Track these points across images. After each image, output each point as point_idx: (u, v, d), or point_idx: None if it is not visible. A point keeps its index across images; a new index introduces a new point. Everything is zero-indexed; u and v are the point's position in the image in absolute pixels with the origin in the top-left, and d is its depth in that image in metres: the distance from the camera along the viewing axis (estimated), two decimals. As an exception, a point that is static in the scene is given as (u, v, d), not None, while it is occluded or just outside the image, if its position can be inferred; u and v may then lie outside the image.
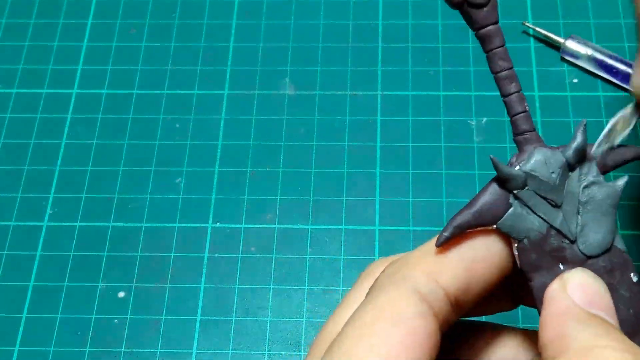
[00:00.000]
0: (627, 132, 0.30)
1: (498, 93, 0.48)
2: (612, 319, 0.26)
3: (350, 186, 0.44)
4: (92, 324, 0.41)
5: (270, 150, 0.45)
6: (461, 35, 0.49)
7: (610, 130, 0.29)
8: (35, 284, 0.42)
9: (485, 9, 0.28)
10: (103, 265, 0.43)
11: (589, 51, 0.46)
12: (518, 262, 0.27)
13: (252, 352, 0.40)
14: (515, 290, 0.30)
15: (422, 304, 0.26)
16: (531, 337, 0.29)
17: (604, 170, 0.29)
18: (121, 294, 0.42)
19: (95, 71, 0.49)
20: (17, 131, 0.47)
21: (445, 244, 0.27)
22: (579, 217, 0.28)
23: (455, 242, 0.27)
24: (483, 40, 0.29)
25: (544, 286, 0.27)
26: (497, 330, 0.30)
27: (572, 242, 0.28)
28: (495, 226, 0.27)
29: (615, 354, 0.24)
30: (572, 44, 0.46)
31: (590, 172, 0.28)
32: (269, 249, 0.43)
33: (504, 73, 0.29)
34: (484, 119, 0.46)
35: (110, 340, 0.41)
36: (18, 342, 0.41)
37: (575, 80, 0.47)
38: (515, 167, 0.27)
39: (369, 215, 0.43)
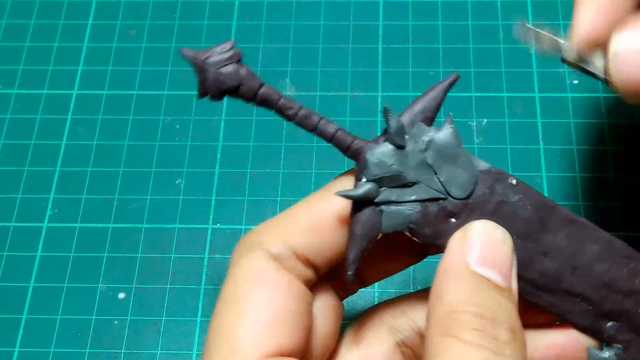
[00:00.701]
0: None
1: (499, 94, 0.49)
2: (501, 276, 0.27)
3: (350, 187, 0.44)
4: (92, 325, 0.41)
5: (271, 151, 0.45)
6: (461, 36, 0.49)
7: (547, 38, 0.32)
8: (35, 284, 0.42)
9: (243, 86, 0.30)
10: (103, 266, 0.43)
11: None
12: (420, 242, 0.29)
13: (253, 353, 0.40)
14: (414, 243, 0.31)
15: (275, 261, 0.28)
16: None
17: (430, 122, 0.30)
18: (121, 295, 0.42)
19: (96, 72, 0.49)
20: (17, 132, 0.47)
21: (354, 279, 0.29)
22: (437, 175, 0.29)
23: (303, 211, 0.30)
24: (263, 104, 0.30)
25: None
26: (423, 292, 0.32)
27: (445, 198, 0.29)
28: (380, 235, 0.29)
29: (474, 319, 0.25)
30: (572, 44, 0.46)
31: (420, 133, 0.30)
32: (269, 250, 0.43)
33: (299, 115, 0.30)
34: (485, 120, 0.46)
35: (111, 341, 0.41)
36: (18, 343, 0.41)
37: (575, 82, 0.47)
38: (363, 179, 0.29)
39: (370, 216, 0.43)
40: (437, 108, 0.31)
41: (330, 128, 0.30)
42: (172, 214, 0.44)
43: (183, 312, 0.41)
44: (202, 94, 0.30)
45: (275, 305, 0.27)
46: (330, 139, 0.30)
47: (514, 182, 0.30)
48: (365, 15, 0.50)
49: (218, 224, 0.43)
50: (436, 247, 0.30)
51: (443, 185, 0.29)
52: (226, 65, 0.30)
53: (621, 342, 0.30)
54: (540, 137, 0.45)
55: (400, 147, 0.29)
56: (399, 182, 0.29)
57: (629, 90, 0.30)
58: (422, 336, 0.31)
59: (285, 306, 0.27)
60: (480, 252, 0.27)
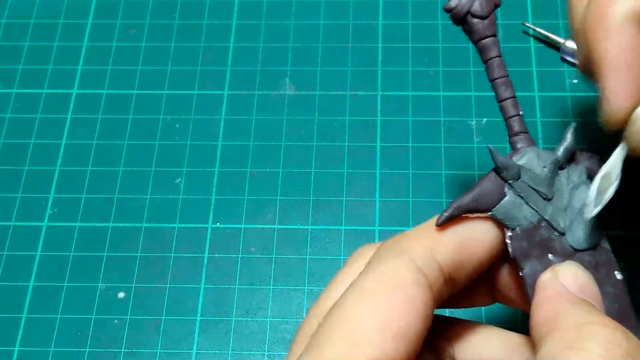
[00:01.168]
0: (612, 188, 0.30)
1: (498, 93, 0.48)
2: (600, 307, 0.27)
3: (350, 186, 0.44)
4: (92, 324, 0.41)
5: (270, 150, 0.45)
6: (461, 35, 0.49)
7: (599, 191, 0.30)
8: (35, 284, 0.42)
9: (485, 21, 0.31)
10: (103, 266, 0.43)
11: (589, 51, 0.46)
12: (510, 249, 0.29)
13: (252, 352, 0.40)
14: (493, 286, 0.31)
15: (419, 274, 0.27)
16: (524, 341, 0.30)
17: (590, 174, 0.30)
18: (121, 294, 0.42)
19: (95, 71, 0.49)
20: (17, 131, 0.47)
21: (445, 224, 0.29)
22: (567, 212, 0.29)
23: (453, 223, 0.29)
24: (482, 50, 0.32)
25: (534, 273, 0.29)
26: (483, 328, 0.31)
27: (561, 234, 0.29)
28: (490, 213, 0.29)
29: (606, 330, 0.24)
30: (572, 44, 0.46)
31: (577, 174, 0.30)
32: (269, 249, 0.43)
33: (500, 80, 0.31)
34: (484, 120, 0.46)
35: (110, 340, 0.41)
36: (18, 342, 0.41)
37: (575, 81, 0.47)
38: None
39: (369, 216, 0.43)
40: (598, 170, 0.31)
41: (513, 110, 0.31)
42: (172, 213, 0.44)
43: (183, 311, 0.41)
44: (449, 8, 0.31)
45: (407, 321, 0.26)
46: (507, 117, 0.31)
47: (619, 277, 0.30)
48: (364, 15, 0.50)
49: (218, 223, 0.43)
50: (516, 266, 0.29)
51: (566, 224, 0.29)
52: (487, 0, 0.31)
53: None
54: (540, 136, 0.45)
55: (560, 164, 0.30)
56: (538, 186, 0.29)
57: None
58: None
59: (414, 325, 0.27)
60: (577, 283, 0.27)
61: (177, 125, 0.47)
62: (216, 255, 0.43)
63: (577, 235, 0.29)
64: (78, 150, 0.46)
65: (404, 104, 0.46)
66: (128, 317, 0.41)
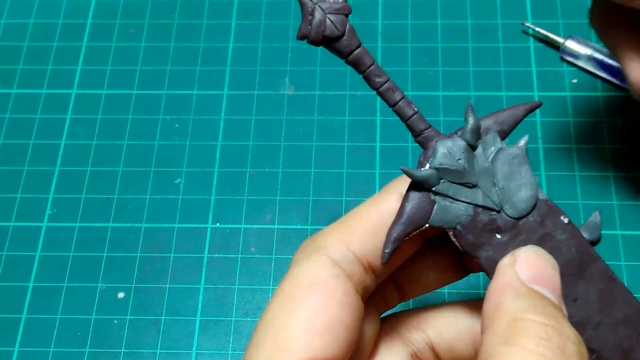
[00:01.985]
0: None
1: (497, 93, 0.49)
2: (554, 296, 0.26)
3: (349, 186, 0.44)
4: (91, 325, 0.41)
5: (270, 150, 0.45)
6: (460, 35, 0.49)
7: None
8: (34, 284, 0.42)
9: (344, 38, 0.30)
10: (103, 266, 0.43)
11: (589, 51, 0.46)
12: (459, 247, 0.29)
13: (252, 352, 0.40)
14: (460, 258, 0.32)
15: (335, 267, 0.28)
16: (477, 304, 0.31)
17: (503, 136, 0.30)
18: (121, 295, 0.42)
19: (95, 71, 0.49)
20: (16, 131, 0.47)
21: (390, 259, 0.29)
22: (496, 187, 0.30)
23: (364, 214, 0.30)
24: (354, 65, 0.30)
25: (490, 259, 0.29)
26: (452, 306, 0.32)
27: (498, 211, 0.29)
28: (427, 225, 0.29)
29: (537, 327, 0.24)
30: (571, 44, 0.46)
31: (492, 142, 0.30)
32: (268, 250, 0.43)
33: (384, 86, 0.30)
34: (484, 119, 0.46)
35: (110, 340, 0.41)
36: (18, 343, 0.41)
37: (574, 81, 0.46)
38: (425, 165, 0.29)
39: (369, 216, 0.43)
40: (514, 125, 0.31)
41: (409, 110, 0.31)
42: (172, 214, 0.44)
43: (183, 311, 0.41)
44: (302, 36, 0.30)
45: (330, 314, 0.27)
46: (406, 120, 0.31)
47: (566, 220, 0.30)
48: (364, 15, 0.50)
49: (217, 224, 0.43)
50: (471, 257, 0.29)
51: (499, 199, 0.29)
52: (335, 14, 0.30)
53: None
54: (539, 136, 0.45)
55: (472, 146, 0.30)
56: (460, 179, 0.29)
57: None
58: (434, 350, 0.32)
59: (339, 316, 0.27)
60: (533, 271, 0.27)
61: (177, 126, 0.47)
62: (216, 255, 0.43)
63: (514, 204, 0.29)
64: (77, 150, 0.46)
65: (403, 103, 0.46)
66: (128, 317, 0.41)
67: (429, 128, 0.30)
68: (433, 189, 0.29)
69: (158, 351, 0.40)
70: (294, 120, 0.46)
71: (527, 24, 0.48)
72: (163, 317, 0.41)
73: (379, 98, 0.47)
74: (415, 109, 0.30)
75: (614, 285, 0.30)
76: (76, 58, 0.50)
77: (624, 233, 0.42)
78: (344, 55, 0.30)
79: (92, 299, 0.42)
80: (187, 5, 0.51)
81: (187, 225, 0.44)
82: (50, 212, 0.44)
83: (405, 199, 0.29)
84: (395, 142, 0.45)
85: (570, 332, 0.25)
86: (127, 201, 0.45)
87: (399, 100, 0.30)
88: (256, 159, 0.45)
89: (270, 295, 0.41)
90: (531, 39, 0.48)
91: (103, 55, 0.50)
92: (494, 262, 0.29)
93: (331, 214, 0.43)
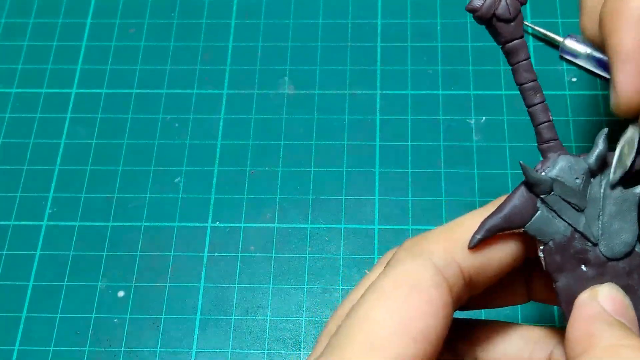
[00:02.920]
0: (634, 153, 0.30)
1: (497, 92, 0.49)
2: (636, 330, 0.27)
3: (349, 185, 0.44)
4: (91, 323, 0.41)
5: (270, 149, 0.45)
6: (460, 34, 0.49)
7: (620, 156, 0.30)
8: (34, 283, 0.42)
9: (512, 23, 0.30)
10: (102, 265, 0.43)
11: (588, 50, 0.46)
12: (543, 263, 0.29)
13: (252, 351, 0.40)
14: (527, 284, 0.31)
15: (439, 275, 0.27)
16: (545, 333, 0.30)
17: (624, 177, 0.29)
18: (121, 293, 0.42)
19: (95, 71, 0.49)
20: (16, 131, 0.47)
21: (478, 246, 0.28)
22: (600, 221, 0.29)
23: (473, 224, 0.28)
24: (509, 53, 0.30)
25: (568, 286, 0.28)
26: (504, 326, 0.31)
27: (594, 244, 0.29)
28: (523, 229, 0.28)
29: (637, 353, 0.24)
30: (570, 43, 0.46)
31: (611, 176, 0.29)
32: (268, 248, 0.43)
33: (529, 85, 0.30)
34: (483, 118, 0.46)
35: (110, 339, 0.41)
36: (18, 342, 0.41)
37: (574, 79, 0.46)
38: (541, 173, 0.29)
39: (368, 214, 0.43)
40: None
41: (543, 116, 0.30)
42: (172, 213, 0.44)
43: (182, 310, 0.41)
44: (472, 9, 0.30)
45: (428, 322, 0.26)
46: (537, 124, 0.30)
47: None
48: (363, 13, 0.50)
49: (217, 222, 0.43)
50: (550, 279, 0.29)
51: (599, 233, 0.29)
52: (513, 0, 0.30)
53: None
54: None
55: (592, 172, 0.29)
56: (570, 197, 0.29)
57: None
58: None
59: (435, 326, 0.26)
60: (615, 306, 0.27)
61: (177, 125, 0.47)
62: (216, 254, 0.43)
63: (611, 244, 0.29)
64: (77, 149, 0.46)
65: (403, 102, 0.46)
66: (128, 316, 0.41)
67: (556, 140, 0.30)
68: (542, 196, 0.29)
69: (158, 350, 0.40)
70: (293, 119, 0.46)
71: (526, 23, 0.48)
72: (163, 316, 0.41)
73: (378, 97, 0.47)
74: (550, 117, 0.30)
75: None
76: (76, 57, 0.50)
77: None
78: (503, 40, 0.30)
79: (92, 298, 0.42)
80: (186, 5, 0.51)
81: (187, 224, 0.44)
82: (50, 211, 0.44)
83: (512, 194, 0.29)
84: (395, 141, 0.45)
85: None
86: (127, 200, 0.45)
87: (538, 104, 0.30)
88: (256, 158, 0.45)
89: (271, 294, 0.41)
90: (530, 37, 0.48)
91: (103, 55, 0.50)
92: (569, 291, 0.28)
93: (331, 213, 0.43)
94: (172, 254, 0.43)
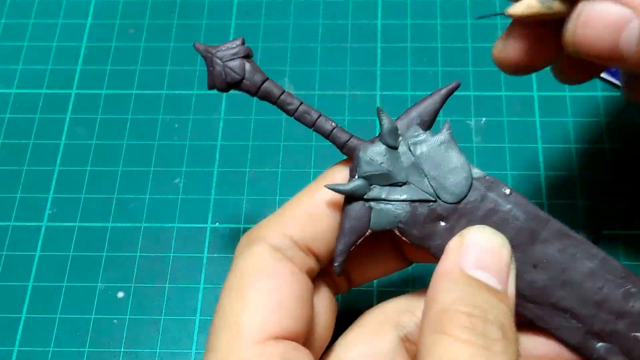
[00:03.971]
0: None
1: (497, 93, 0.49)
2: (497, 279, 0.27)
3: (349, 186, 0.44)
4: (91, 324, 0.41)
5: (270, 150, 0.45)
6: (460, 35, 0.49)
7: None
8: (34, 284, 0.42)
9: (245, 78, 0.32)
10: (102, 266, 0.43)
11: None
12: (408, 241, 0.30)
13: (252, 352, 0.40)
14: (397, 248, 0.33)
15: (276, 252, 0.29)
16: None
17: (426, 126, 0.31)
18: (120, 294, 0.42)
19: (94, 71, 0.49)
20: (16, 131, 0.47)
21: (342, 270, 0.30)
22: (427, 178, 0.30)
23: (298, 203, 0.31)
24: (265, 98, 0.32)
25: (441, 246, 0.29)
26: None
27: (435, 200, 0.30)
28: (369, 231, 0.30)
29: (464, 317, 0.26)
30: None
31: (415, 136, 0.30)
32: (268, 249, 0.43)
33: (298, 111, 0.32)
34: (483, 119, 0.46)
35: (110, 340, 0.41)
36: (17, 342, 0.41)
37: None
38: (355, 176, 0.30)
39: (368, 215, 0.43)
40: (435, 113, 0.31)
41: (328, 125, 0.32)
42: (171, 213, 0.44)
43: (182, 311, 0.41)
44: (211, 85, 0.32)
45: (278, 293, 0.28)
46: (327, 135, 0.31)
47: (507, 191, 0.30)
48: (363, 14, 0.50)
49: (217, 223, 0.43)
50: (424, 249, 0.30)
51: (433, 188, 0.30)
52: (232, 59, 0.31)
53: None
54: (539, 135, 0.45)
55: (392, 147, 0.30)
56: (388, 180, 0.30)
57: (575, 51, 0.29)
58: None
59: (287, 294, 0.28)
60: (477, 256, 0.28)
61: (176, 125, 0.47)
62: (215, 255, 0.43)
63: (450, 189, 0.30)
64: (77, 150, 0.46)
65: (403, 103, 0.46)
66: (127, 317, 0.41)
67: (351, 138, 0.31)
68: (365, 197, 0.30)
69: (157, 351, 0.40)
70: (293, 120, 0.46)
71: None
72: (163, 317, 0.41)
73: (379, 98, 0.47)
74: (334, 124, 0.32)
75: (572, 242, 0.30)
76: (76, 58, 0.50)
77: (625, 232, 0.42)
78: (252, 93, 0.32)
79: (92, 299, 0.42)
80: (186, 6, 0.51)
81: (187, 224, 0.44)
82: (50, 212, 0.44)
83: (343, 212, 0.31)
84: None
85: (494, 317, 0.26)
86: (127, 201, 0.45)
87: (316, 119, 0.32)
88: (256, 159, 0.45)
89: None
90: (530, 39, 0.48)
91: (103, 55, 0.50)
92: (444, 249, 0.29)
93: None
94: (171, 254, 0.43)
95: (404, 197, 0.30)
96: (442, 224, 0.30)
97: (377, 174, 0.30)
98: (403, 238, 0.30)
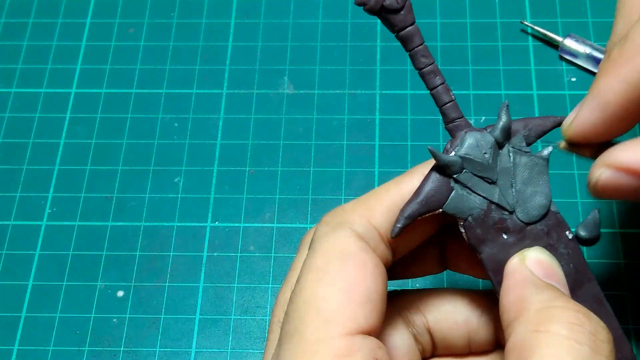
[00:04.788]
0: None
1: (496, 92, 0.49)
2: (565, 290, 0.28)
3: (348, 185, 0.44)
4: (91, 323, 0.41)
5: (269, 149, 0.46)
6: (460, 34, 0.49)
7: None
8: (34, 283, 0.43)
9: (402, 12, 0.31)
10: (102, 265, 0.43)
11: (587, 50, 0.46)
12: (466, 238, 0.30)
13: (251, 350, 0.40)
14: (442, 254, 0.33)
15: (362, 240, 0.29)
16: (476, 297, 0.32)
17: (529, 142, 0.31)
18: (120, 293, 0.42)
19: (94, 70, 0.50)
20: (15, 130, 0.48)
21: (399, 234, 0.29)
22: (513, 189, 0.30)
23: (385, 192, 0.30)
24: (404, 41, 0.31)
25: (492, 256, 0.30)
26: (453, 293, 0.33)
27: (511, 212, 0.30)
28: (441, 210, 0.30)
29: (570, 313, 0.25)
30: (570, 43, 0.46)
31: (519, 146, 0.30)
32: (267, 248, 0.43)
33: (427, 68, 0.31)
34: (483, 118, 0.46)
35: (110, 339, 0.41)
36: (17, 341, 0.41)
37: (573, 79, 0.47)
38: (451, 153, 0.30)
39: (368, 214, 0.43)
40: (541, 135, 0.31)
41: (446, 97, 0.31)
42: (171, 212, 0.44)
43: (182, 309, 0.41)
44: (361, 2, 0.31)
45: (366, 285, 0.28)
46: (441, 105, 0.31)
47: (570, 236, 0.30)
48: (363, 13, 0.50)
49: (217, 222, 0.44)
50: (475, 252, 0.30)
51: (514, 200, 0.30)
52: None
53: None
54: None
55: (499, 144, 0.30)
56: (481, 172, 0.30)
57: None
58: (431, 335, 0.32)
59: (375, 286, 0.28)
60: (543, 269, 0.28)
61: (176, 124, 0.47)
62: (215, 254, 0.43)
63: (527, 209, 0.30)
64: (77, 149, 0.47)
65: (402, 102, 0.47)
66: (127, 315, 0.41)
67: (461, 118, 0.31)
68: (454, 176, 0.30)
69: (157, 349, 0.40)
70: (293, 119, 0.47)
71: (525, 23, 0.48)
72: (162, 316, 0.41)
73: (378, 97, 0.47)
74: (453, 97, 0.31)
75: (602, 310, 0.30)
76: (75, 57, 0.50)
77: (624, 231, 0.42)
78: (396, 29, 0.31)
79: (92, 298, 0.42)
80: (186, 5, 0.51)
81: (187, 223, 0.44)
82: (50, 211, 0.45)
83: (425, 179, 0.30)
84: (394, 140, 0.46)
85: (598, 318, 0.26)
86: (127, 200, 0.45)
87: (439, 85, 0.31)
88: (255, 158, 0.45)
89: (270, 293, 0.42)
90: (530, 37, 0.48)
91: (102, 55, 0.50)
92: (494, 260, 0.30)
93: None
94: (171, 253, 0.43)
95: (486, 194, 0.30)
96: (505, 236, 0.30)
97: (476, 160, 0.30)
98: (463, 233, 0.30)
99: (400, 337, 0.31)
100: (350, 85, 0.47)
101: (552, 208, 0.31)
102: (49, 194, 0.45)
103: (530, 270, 0.28)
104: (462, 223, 0.30)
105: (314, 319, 0.27)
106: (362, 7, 0.31)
